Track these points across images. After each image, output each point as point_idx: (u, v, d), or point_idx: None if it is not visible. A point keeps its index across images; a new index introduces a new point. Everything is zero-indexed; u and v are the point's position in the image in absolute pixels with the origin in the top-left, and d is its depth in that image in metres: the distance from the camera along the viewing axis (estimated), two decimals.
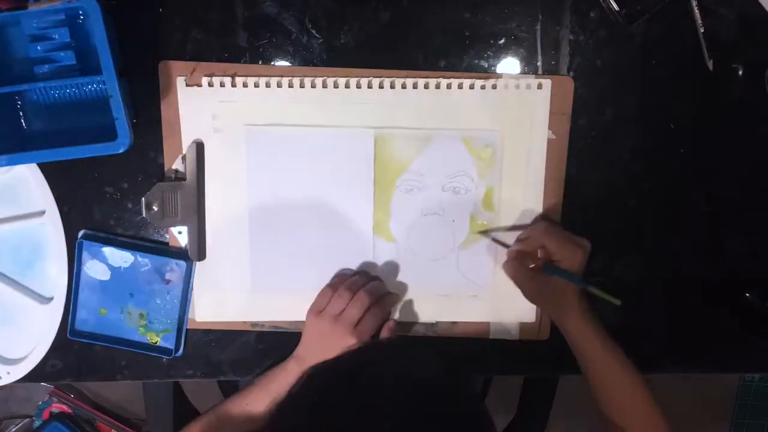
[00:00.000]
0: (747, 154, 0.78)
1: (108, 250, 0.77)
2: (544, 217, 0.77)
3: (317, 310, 0.75)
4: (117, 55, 0.68)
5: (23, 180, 0.76)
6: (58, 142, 0.70)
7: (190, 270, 0.78)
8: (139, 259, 0.77)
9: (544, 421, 0.98)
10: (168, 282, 0.78)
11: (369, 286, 0.75)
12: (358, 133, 0.75)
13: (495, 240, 0.77)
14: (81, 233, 0.77)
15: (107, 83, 0.67)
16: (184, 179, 0.75)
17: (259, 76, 0.73)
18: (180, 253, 0.78)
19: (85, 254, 0.77)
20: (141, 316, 0.79)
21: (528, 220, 0.77)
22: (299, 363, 0.74)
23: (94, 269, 0.78)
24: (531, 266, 0.75)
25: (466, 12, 0.73)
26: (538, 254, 0.74)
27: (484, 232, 0.77)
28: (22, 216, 0.78)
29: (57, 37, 0.70)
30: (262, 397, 0.75)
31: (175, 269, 0.78)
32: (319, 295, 0.76)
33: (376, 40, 0.74)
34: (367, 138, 0.75)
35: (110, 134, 0.68)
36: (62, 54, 0.71)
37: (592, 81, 0.75)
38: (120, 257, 0.78)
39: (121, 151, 0.68)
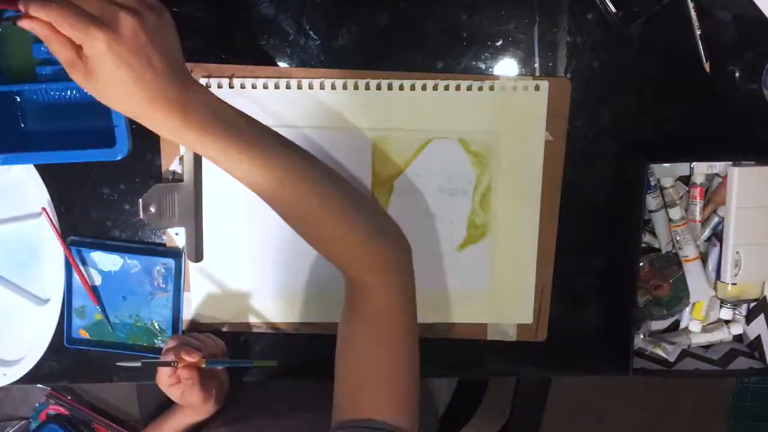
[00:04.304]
0: (744, 155, 0.78)
1: (97, 255, 0.77)
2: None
3: None
4: None
5: (20, 181, 0.76)
6: (56, 144, 0.70)
7: (180, 268, 0.77)
8: (128, 261, 0.77)
9: (538, 421, 0.98)
10: (159, 282, 0.78)
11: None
12: (355, 135, 0.75)
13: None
14: (68, 240, 0.77)
15: None
16: (182, 180, 0.75)
17: (256, 77, 0.73)
18: (168, 252, 0.78)
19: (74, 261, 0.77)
20: (136, 318, 0.79)
21: (527, 221, 0.77)
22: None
23: (85, 275, 0.77)
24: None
25: (463, 14, 0.73)
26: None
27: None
28: (19, 217, 0.77)
29: None
30: None
31: (164, 269, 0.78)
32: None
33: (373, 41, 0.74)
34: (365, 139, 0.75)
35: (108, 137, 0.68)
36: None
37: (589, 83, 0.75)
38: (109, 261, 0.77)
39: (119, 158, 0.69)
